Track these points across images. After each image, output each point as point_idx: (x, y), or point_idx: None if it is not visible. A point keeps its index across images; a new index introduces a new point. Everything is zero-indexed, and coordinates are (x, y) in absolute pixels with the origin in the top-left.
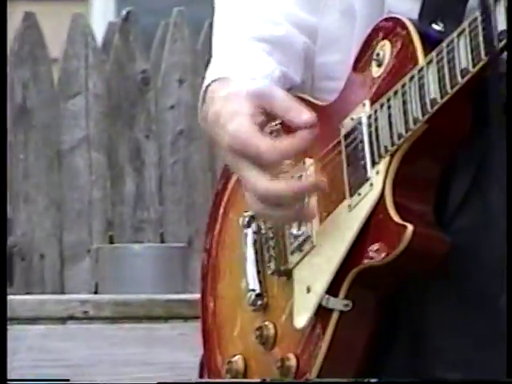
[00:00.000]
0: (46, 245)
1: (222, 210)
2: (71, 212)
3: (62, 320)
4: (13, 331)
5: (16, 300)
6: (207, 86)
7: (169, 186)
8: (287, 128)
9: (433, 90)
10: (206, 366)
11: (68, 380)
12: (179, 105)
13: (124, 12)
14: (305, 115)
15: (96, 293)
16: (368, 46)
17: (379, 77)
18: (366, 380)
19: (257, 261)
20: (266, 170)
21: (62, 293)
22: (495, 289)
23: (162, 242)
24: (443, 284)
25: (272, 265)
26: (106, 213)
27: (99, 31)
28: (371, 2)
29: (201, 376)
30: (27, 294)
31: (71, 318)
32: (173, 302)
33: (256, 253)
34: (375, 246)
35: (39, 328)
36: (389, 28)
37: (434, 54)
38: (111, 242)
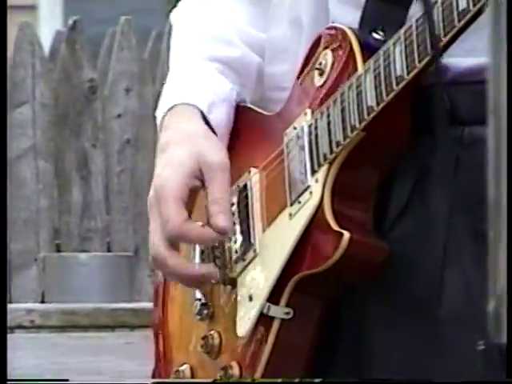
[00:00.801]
0: None
1: None
2: (18, 221)
3: (10, 329)
4: None
5: None
6: (167, 111)
7: (116, 195)
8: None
9: (370, 98)
10: (157, 376)
11: (67, 380)
12: (126, 114)
13: (71, 21)
14: (222, 220)
15: (43, 302)
16: (311, 55)
17: (321, 85)
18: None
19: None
20: (165, 231)
21: (9, 302)
22: (433, 295)
23: (109, 250)
24: (382, 291)
25: (218, 274)
26: (53, 222)
27: (46, 40)
28: (317, 12)
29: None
30: None
31: (18, 327)
32: (119, 311)
33: (203, 261)
34: (314, 254)
35: None
36: (330, 37)
37: (371, 61)
38: (58, 251)
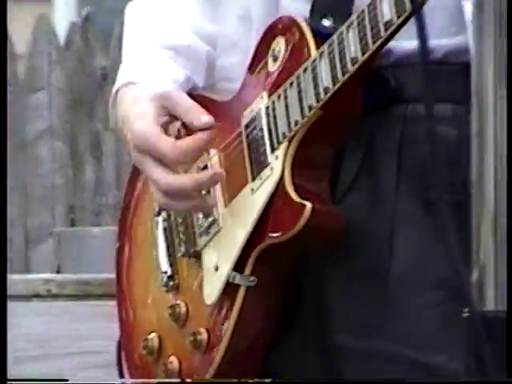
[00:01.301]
0: (11, 228)
1: (133, 203)
2: (35, 198)
3: (27, 298)
4: None
5: None
6: (117, 91)
7: (126, 174)
8: (188, 128)
9: (325, 79)
10: (123, 346)
11: (67, 380)
12: None
13: (84, 12)
14: (203, 117)
15: (58, 273)
16: (264, 43)
17: (275, 71)
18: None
19: (168, 245)
20: (167, 166)
21: (27, 273)
22: (383, 260)
23: None
24: (337, 257)
25: (182, 248)
26: (67, 198)
27: (62, 30)
28: (266, 6)
29: (118, 356)
30: None
31: (36, 295)
32: None
33: (166, 238)
34: (277, 225)
35: (10, 305)
36: (283, 26)
37: (325, 46)
38: (73, 225)
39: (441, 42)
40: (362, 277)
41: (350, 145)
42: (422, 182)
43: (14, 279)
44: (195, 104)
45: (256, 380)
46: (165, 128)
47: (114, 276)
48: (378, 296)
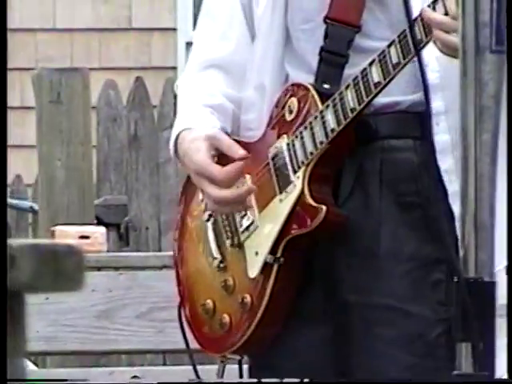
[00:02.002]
0: (149, 221)
1: (185, 214)
2: (165, 201)
3: (160, 268)
4: (128, 275)
5: (131, 256)
6: (178, 134)
7: None
8: (226, 157)
9: (332, 123)
10: (185, 309)
11: (66, 380)
12: None
13: None
14: (240, 151)
15: None
16: (281, 102)
17: (292, 120)
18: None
19: (217, 240)
20: (217, 184)
21: (160, 252)
22: (375, 242)
23: None
24: (341, 243)
25: (229, 241)
26: None
27: None
28: (277, 78)
29: (179, 316)
30: (137, 251)
31: (165, 266)
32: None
33: (216, 236)
34: (301, 222)
35: (145, 273)
36: (295, 90)
37: (329, 101)
38: None
39: (404, 97)
40: (361, 253)
41: (346, 168)
42: (397, 191)
43: (150, 255)
44: (233, 142)
45: (267, 380)
46: (213, 159)
47: None
48: (372, 266)
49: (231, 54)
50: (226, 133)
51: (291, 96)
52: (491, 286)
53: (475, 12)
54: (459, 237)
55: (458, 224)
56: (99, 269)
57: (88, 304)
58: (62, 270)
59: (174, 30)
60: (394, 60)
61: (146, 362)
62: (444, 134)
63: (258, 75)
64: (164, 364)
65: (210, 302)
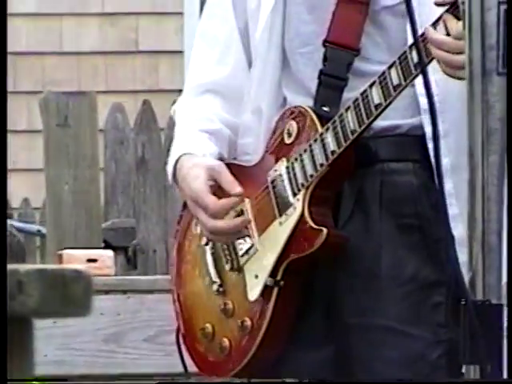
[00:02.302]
0: (157, 244)
1: (183, 238)
2: (173, 224)
3: (168, 291)
4: (136, 298)
5: (139, 279)
6: (177, 159)
7: None
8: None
9: (332, 145)
10: (185, 333)
11: (66, 380)
12: None
13: None
14: (238, 189)
15: None
16: (279, 124)
17: (291, 143)
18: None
19: (215, 264)
20: (210, 216)
21: (167, 274)
22: (376, 263)
23: None
24: (342, 265)
25: (228, 265)
26: None
27: None
28: (273, 101)
29: (177, 340)
30: (145, 275)
31: None
32: None
33: (214, 259)
34: (301, 244)
35: (153, 296)
36: (294, 113)
37: (330, 124)
38: None
39: (404, 121)
40: (362, 275)
41: (346, 190)
42: (397, 213)
43: (158, 278)
44: (232, 178)
45: (267, 380)
46: (211, 189)
47: None
48: (373, 287)
49: (228, 79)
50: (221, 158)
51: (290, 119)
52: (499, 308)
53: (482, 35)
54: (467, 259)
55: (459, 247)
56: (107, 292)
57: (96, 327)
58: (70, 295)
59: (181, 52)
60: (395, 82)
61: None
62: (444, 157)
63: (255, 99)
64: None
65: (209, 326)
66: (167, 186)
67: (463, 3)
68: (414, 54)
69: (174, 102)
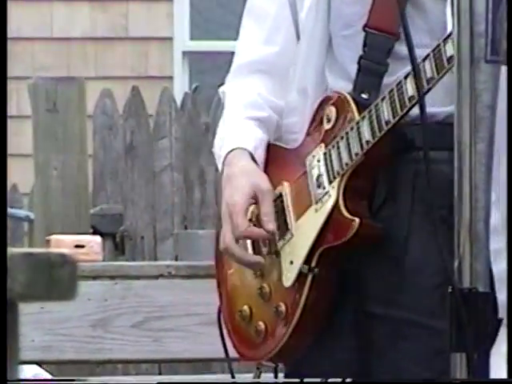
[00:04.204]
0: (145, 230)
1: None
2: (161, 211)
3: (155, 277)
4: (123, 284)
5: (127, 265)
6: (230, 151)
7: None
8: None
9: (367, 135)
10: (223, 313)
11: (73, 380)
12: None
13: (193, 86)
14: (270, 226)
15: (176, 260)
16: (320, 110)
17: (329, 128)
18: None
19: (253, 247)
20: (235, 236)
21: (155, 260)
22: (401, 253)
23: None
24: (372, 251)
25: (266, 249)
26: (182, 211)
27: (179, 98)
28: (319, 83)
29: (219, 319)
30: (132, 261)
31: (161, 276)
32: None
33: (253, 242)
34: (334, 233)
35: (141, 282)
36: (333, 98)
37: (366, 112)
38: (185, 229)
39: (441, 109)
40: (388, 263)
41: (380, 176)
42: (428, 203)
43: (145, 264)
44: (271, 209)
45: (286, 380)
46: (247, 206)
47: (213, 263)
48: (399, 277)
49: (277, 57)
50: (268, 143)
51: (330, 104)
52: (486, 296)
53: (470, 22)
54: (456, 246)
55: (492, 235)
56: (95, 278)
57: (83, 313)
58: (56, 279)
59: (171, 39)
60: (429, 74)
61: (141, 371)
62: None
63: (300, 79)
64: (159, 373)
65: (246, 309)
66: (155, 173)
67: None
68: (448, 46)
69: (165, 89)
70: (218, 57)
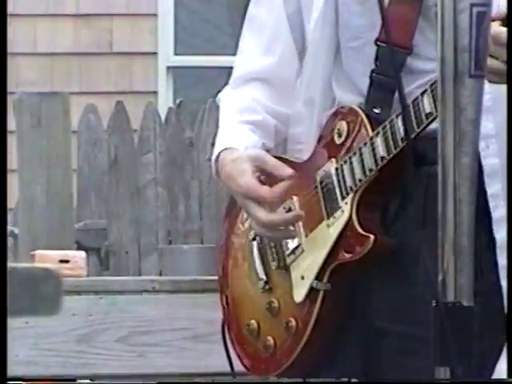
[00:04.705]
0: (129, 245)
1: (229, 232)
2: (145, 225)
3: (139, 292)
4: (108, 299)
5: (110, 280)
6: (218, 154)
7: (207, 208)
8: (271, 177)
9: (382, 151)
10: (228, 327)
11: (74, 380)
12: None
13: (178, 101)
14: (287, 170)
15: (161, 275)
16: (330, 124)
17: (341, 143)
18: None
19: (262, 261)
20: (265, 207)
21: (139, 275)
22: (413, 266)
23: (202, 243)
24: (384, 266)
25: (275, 263)
26: (167, 225)
27: (163, 113)
28: (326, 95)
29: (223, 335)
30: (117, 276)
31: (145, 291)
32: (211, 282)
33: (261, 256)
34: (347, 249)
35: (125, 297)
36: (344, 113)
37: (380, 128)
38: (170, 244)
39: None
40: (398, 277)
41: (392, 191)
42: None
43: (130, 279)
44: (278, 161)
45: (287, 380)
46: (259, 180)
47: (197, 278)
48: (408, 292)
49: (275, 67)
50: (267, 150)
51: (340, 119)
52: (470, 310)
53: (454, 37)
54: (440, 260)
55: (500, 251)
56: (79, 293)
57: (68, 328)
58: (41, 294)
59: (155, 54)
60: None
61: None
62: (494, 158)
63: (307, 89)
64: None
65: (254, 323)
66: (140, 188)
67: (436, 5)
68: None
69: (150, 104)
70: (202, 72)
